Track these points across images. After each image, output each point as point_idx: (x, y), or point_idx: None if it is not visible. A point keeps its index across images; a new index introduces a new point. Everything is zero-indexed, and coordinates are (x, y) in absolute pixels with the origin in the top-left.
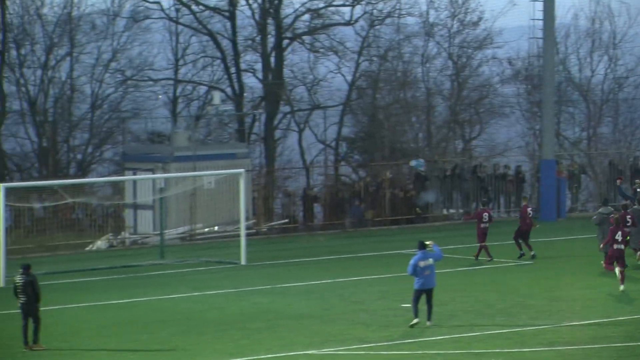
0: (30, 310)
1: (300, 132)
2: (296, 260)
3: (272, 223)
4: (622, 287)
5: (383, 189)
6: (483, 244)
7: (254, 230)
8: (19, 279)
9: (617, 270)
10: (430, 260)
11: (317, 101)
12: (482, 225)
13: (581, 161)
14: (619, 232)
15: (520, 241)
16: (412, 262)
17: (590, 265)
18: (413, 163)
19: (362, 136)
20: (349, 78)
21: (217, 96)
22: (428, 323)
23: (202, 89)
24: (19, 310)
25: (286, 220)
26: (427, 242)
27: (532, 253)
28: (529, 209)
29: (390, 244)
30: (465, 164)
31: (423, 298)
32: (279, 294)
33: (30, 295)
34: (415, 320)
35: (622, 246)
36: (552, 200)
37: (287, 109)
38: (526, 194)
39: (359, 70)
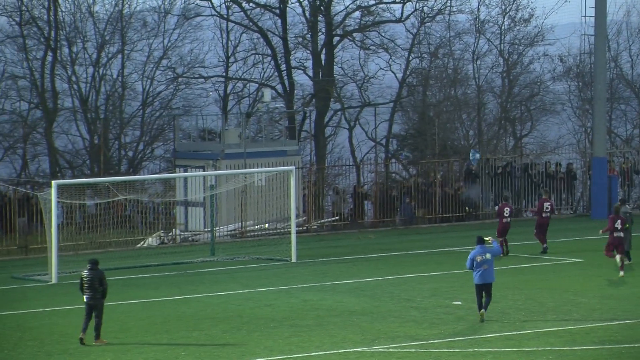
0: (96, 306)
1: (351, 129)
2: (346, 258)
3: (323, 220)
4: (621, 273)
5: (434, 186)
6: (501, 238)
7: (304, 228)
8: (85, 273)
9: (617, 257)
10: (488, 255)
11: (367, 98)
12: (505, 220)
13: (633, 159)
14: (618, 221)
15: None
16: (469, 256)
17: None
18: (472, 156)
19: (413, 133)
20: (400, 75)
21: (267, 93)
22: (482, 311)
23: (253, 87)
24: (84, 305)
25: (336, 218)
26: (486, 238)
27: (545, 246)
28: (546, 204)
29: (440, 242)
30: (516, 162)
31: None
32: (329, 291)
33: (97, 291)
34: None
35: (622, 234)
36: (604, 198)
37: (337, 106)
38: (547, 188)
39: (410, 68)
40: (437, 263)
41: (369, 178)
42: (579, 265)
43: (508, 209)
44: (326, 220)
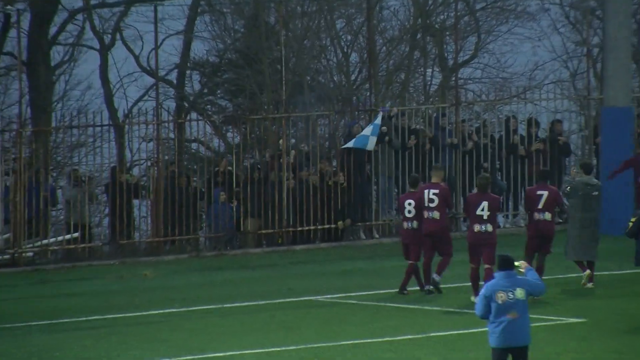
0: None
1: (105, 51)
2: (95, 318)
3: (46, 240)
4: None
5: (277, 171)
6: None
7: (7, 256)
8: None
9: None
10: (520, 293)
11: None
12: (408, 225)
13: None
14: (485, 203)
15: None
16: (482, 291)
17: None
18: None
19: (234, 60)
20: None
21: None
22: None
23: None
24: None
25: (75, 235)
26: (517, 263)
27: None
28: (408, 201)
29: (291, 281)
30: (446, 118)
31: None
32: None
33: None
34: None
35: (489, 227)
36: (624, 190)
37: (76, 2)
38: (439, 164)
39: None
40: (287, 327)
41: (144, 152)
42: (579, 329)
43: (412, 202)
44: (54, 239)
